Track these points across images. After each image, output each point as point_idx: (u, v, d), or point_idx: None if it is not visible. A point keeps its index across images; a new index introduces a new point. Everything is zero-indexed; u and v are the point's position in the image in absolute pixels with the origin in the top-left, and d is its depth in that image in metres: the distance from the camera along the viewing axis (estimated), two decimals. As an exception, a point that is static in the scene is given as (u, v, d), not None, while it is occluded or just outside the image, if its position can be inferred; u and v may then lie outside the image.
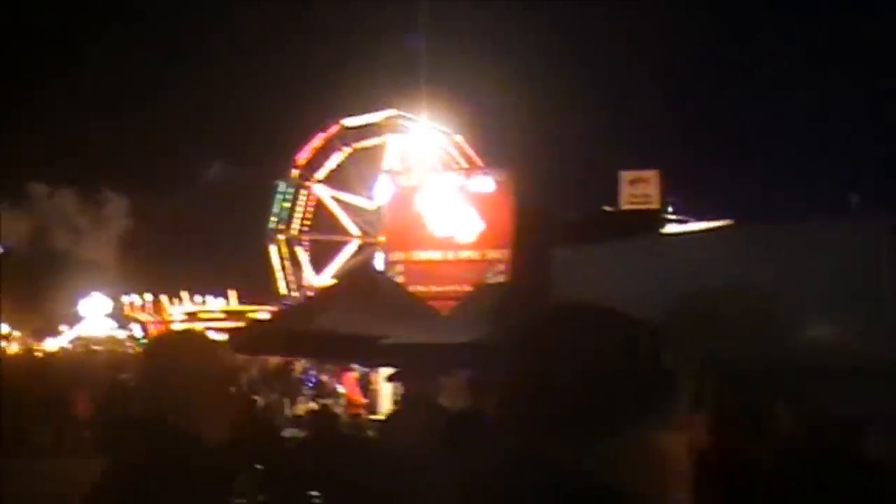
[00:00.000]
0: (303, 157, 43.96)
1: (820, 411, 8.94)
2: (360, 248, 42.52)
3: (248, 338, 16.61)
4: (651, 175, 39.68)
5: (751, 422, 7.71)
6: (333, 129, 43.06)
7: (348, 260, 40.70)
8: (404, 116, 40.50)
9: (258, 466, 12.25)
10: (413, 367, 7.71)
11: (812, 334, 13.22)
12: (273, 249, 44.32)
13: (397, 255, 32.27)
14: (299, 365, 28.24)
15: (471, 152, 40.29)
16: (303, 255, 44.84)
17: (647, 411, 1.46)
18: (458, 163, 39.42)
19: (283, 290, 42.98)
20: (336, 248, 44.62)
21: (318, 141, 43.53)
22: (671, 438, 1.47)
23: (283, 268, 44.49)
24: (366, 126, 42.65)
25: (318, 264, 43.30)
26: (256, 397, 21.14)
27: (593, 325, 1.52)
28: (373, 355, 11.99)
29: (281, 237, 44.35)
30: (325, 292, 21.55)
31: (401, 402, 9.33)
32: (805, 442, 7.34)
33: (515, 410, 1.50)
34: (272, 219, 44.50)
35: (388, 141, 40.33)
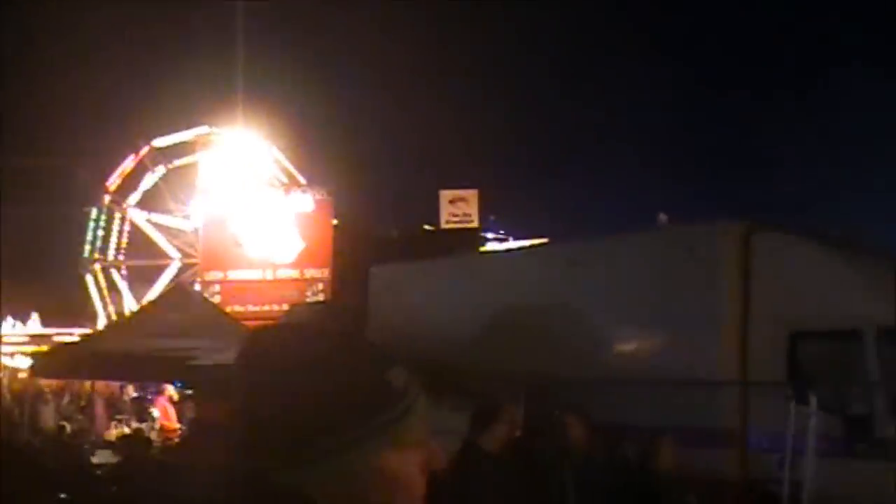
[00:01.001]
0: (113, 181, 42.65)
1: (616, 422, 9.26)
2: (182, 269, 41.52)
3: (52, 362, 15.98)
4: (470, 194, 40.26)
5: (548, 432, 7.89)
6: (144, 151, 41.89)
7: (170, 283, 39.69)
8: (219, 133, 39.78)
9: (63, 496, 11.75)
10: (210, 388, 7.53)
11: (618, 347, 13.71)
12: (90, 279, 42.85)
13: (213, 275, 31.73)
14: (130, 388, 27.41)
15: (291, 169, 39.94)
16: (121, 282, 43.43)
17: (373, 432, 1.44)
18: (277, 180, 39.03)
19: (102, 318, 41.53)
20: (157, 272, 43.46)
21: (128, 164, 42.27)
22: (402, 458, 1.46)
23: (102, 296, 43.03)
24: (178, 145, 41.71)
25: (142, 289, 42.08)
26: (65, 423, 20.33)
27: (313, 346, 1.49)
28: (179, 377, 11.71)
29: (97, 266, 42.93)
30: (135, 315, 20.94)
31: (188, 426, 9.15)
32: (599, 452, 7.56)
33: (238, 433, 1.46)
34: (86, 247, 43.06)
35: (203, 159, 39.52)
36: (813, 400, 9.70)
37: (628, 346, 13.22)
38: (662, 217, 23.47)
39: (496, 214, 45.24)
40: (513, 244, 38.26)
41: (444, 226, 39.13)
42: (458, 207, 40.07)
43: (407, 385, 1.49)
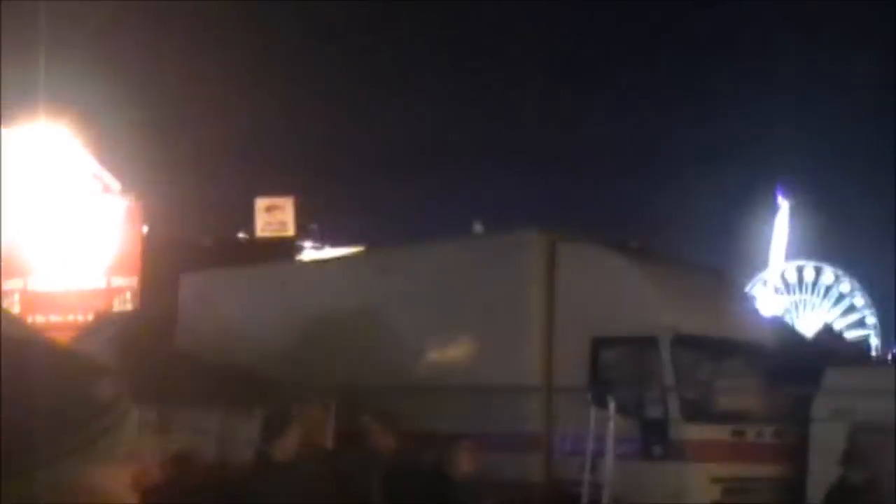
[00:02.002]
0: None
1: (426, 428, 9.33)
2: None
3: None
4: (286, 202, 39.89)
5: (358, 439, 7.91)
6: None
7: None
8: (21, 135, 38.07)
9: None
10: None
11: (429, 355, 13.83)
12: None
13: (13, 284, 30.30)
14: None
15: (101, 174, 38.57)
16: None
17: (75, 447, 1.37)
18: (86, 185, 37.64)
19: None
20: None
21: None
22: (108, 474, 1.40)
23: None
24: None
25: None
26: None
27: (11, 356, 1.41)
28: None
29: None
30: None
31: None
32: (403, 458, 7.62)
33: None
34: None
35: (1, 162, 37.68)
36: (612, 404, 10.05)
37: (439, 354, 13.37)
38: (477, 226, 23.89)
39: (317, 222, 44.90)
40: (329, 252, 38.10)
41: (259, 234, 38.67)
42: (274, 215, 39.68)
43: (115, 398, 1.43)
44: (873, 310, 62.86)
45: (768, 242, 69.90)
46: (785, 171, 71.97)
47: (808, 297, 64.56)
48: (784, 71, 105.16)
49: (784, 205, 70.14)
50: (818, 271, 64.98)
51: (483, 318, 12.79)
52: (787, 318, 51.71)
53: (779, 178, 70.36)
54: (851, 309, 63.48)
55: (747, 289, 49.04)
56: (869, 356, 42.21)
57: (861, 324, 63.02)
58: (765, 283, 64.99)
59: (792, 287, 65.22)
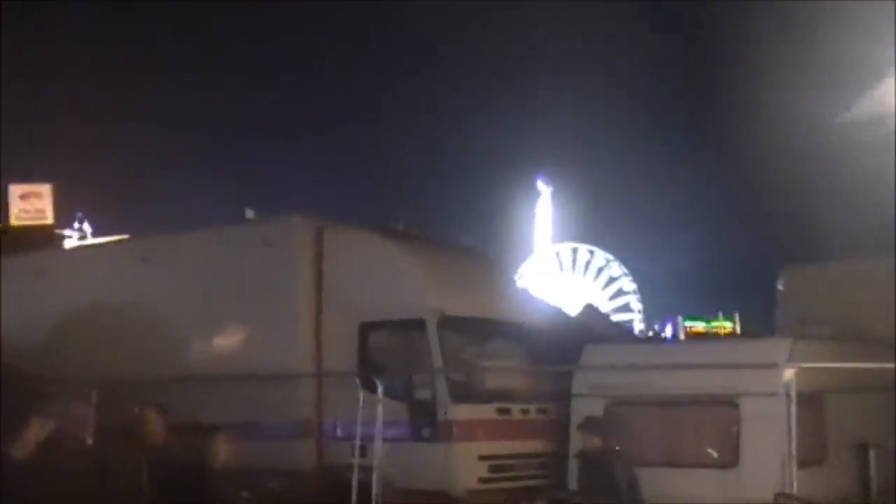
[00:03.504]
0: None
1: (196, 419, 9.17)
2: None
3: None
4: (44, 189, 38.25)
5: (126, 430, 7.71)
6: None
7: None
8: None
9: None
10: None
11: (198, 344, 13.47)
12: None
13: None
14: None
15: None
16: None
17: None
18: None
19: None
20: None
21: None
22: None
23: None
24: None
25: None
26: None
27: None
28: None
29: None
30: None
31: None
32: (175, 450, 7.47)
33: None
34: None
35: None
36: (380, 388, 10.08)
37: (208, 343, 13.08)
38: (249, 212, 23.40)
39: (82, 211, 43.10)
40: (93, 241, 36.70)
41: (13, 222, 36.96)
42: (31, 203, 38.04)
43: None
44: (630, 277, 66.08)
45: (532, 227, 72.31)
46: (545, 158, 74.77)
47: (569, 275, 67.19)
48: (546, 66, 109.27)
49: (545, 191, 72.71)
50: (575, 251, 67.66)
51: (251, 306, 12.60)
52: (552, 298, 53.47)
53: (539, 166, 73.03)
54: (611, 280, 66.49)
55: (514, 271, 50.40)
56: (630, 333, 44.36)
57: (621, 292, 66.14)
58: (530, 265, 67.11)
59: (555, 268, 67.65)
